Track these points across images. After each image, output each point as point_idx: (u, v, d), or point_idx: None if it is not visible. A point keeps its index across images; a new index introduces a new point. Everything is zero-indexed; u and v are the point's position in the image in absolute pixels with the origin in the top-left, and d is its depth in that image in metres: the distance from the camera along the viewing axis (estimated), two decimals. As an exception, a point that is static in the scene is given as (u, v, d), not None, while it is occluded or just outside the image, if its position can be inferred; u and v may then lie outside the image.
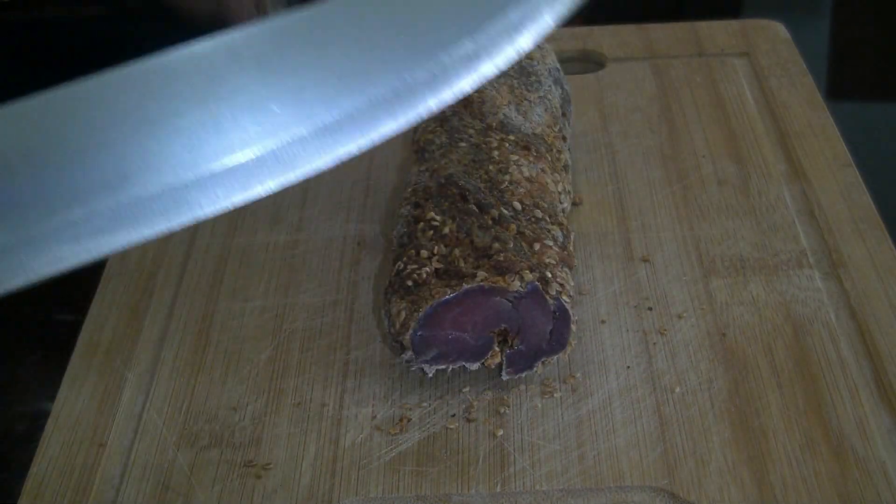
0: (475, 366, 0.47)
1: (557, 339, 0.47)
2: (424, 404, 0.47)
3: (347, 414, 0.47)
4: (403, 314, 0.45)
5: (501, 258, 0.46)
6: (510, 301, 0.45)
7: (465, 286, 0.45)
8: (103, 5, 0.87)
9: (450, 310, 0.45)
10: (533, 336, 0.46)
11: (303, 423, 0.47)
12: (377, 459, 0.45)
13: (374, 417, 0.47)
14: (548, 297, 0.46)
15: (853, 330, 0.49)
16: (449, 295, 0.45)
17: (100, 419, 0.48)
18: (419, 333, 0.45)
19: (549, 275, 0.46)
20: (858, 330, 0.49)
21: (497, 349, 0.47)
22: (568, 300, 0.46)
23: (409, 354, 0.46)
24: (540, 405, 0.47)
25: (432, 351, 0.46)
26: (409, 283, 0.46)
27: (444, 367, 0.47)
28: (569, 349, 0.47)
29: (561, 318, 0.46)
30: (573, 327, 0.47)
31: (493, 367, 0.47)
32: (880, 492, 0.42)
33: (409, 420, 0.46)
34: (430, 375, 0.47)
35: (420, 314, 0.45)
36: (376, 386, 0.48)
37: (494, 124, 0.54)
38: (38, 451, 0.46)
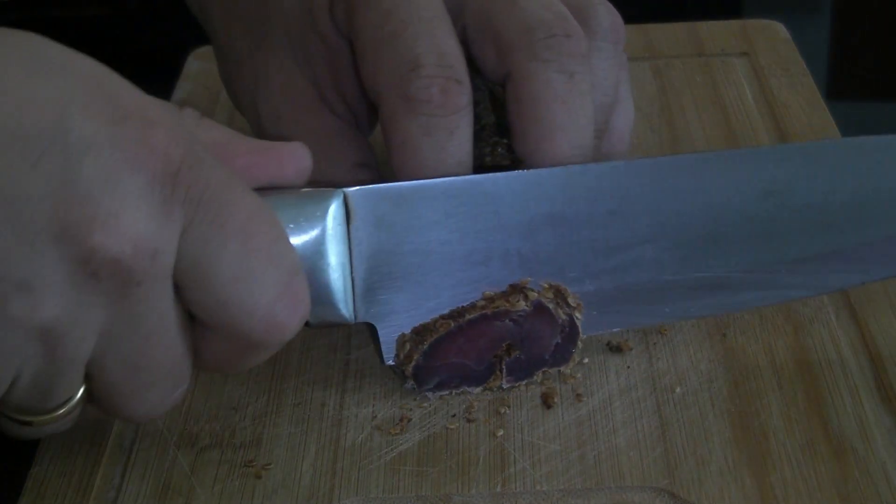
0: (478, 390, 0.47)
1: (562, 353, 0.47)
2: (425, 404, 0.47)
3: (347, 414, 0.47)
4: (408, 346, 0.45)
5: None
6: (514, 320, 0.45)
7: (469, 316, 0.45)
8: (103, 5, 0.87)
9: (454, 340, 0.45)
10: (536, 347, 0.46)
11: (303, 424, 0.47)
12: (377, 459, 0.45)
13: (374, 417, 0.47)
14: (560, 311, 0.45)
15: (853, 330, 0.49)
16: (453, 327, 0.45)
17: (100, 419, 0.48)
18: (423, 365, 0.45)
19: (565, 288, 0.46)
20: (858, 330, 0.49)
21: (499, 373, 0.46)
22: (580, 317, 0.46)
23: (411, 383, 0.46)
24: (540, 405, 0.47)
25: (435, 380, 0.46)
26: None
27: (446, 392, 0.47)
28: (571, 364, 0.47)
29: (569, 333, 0.46)
30: (580, 344, 0.47)
31: (495, 389, 0.47)
32: (880, 492, 0.42)
33: (410, 420, 0.46)
34: (433, 401, 0.47)
35: (425, 346, 0.45)
36: (376, 386, 0.48)
37: (490, 125, 0.54)
38: (38, 451, 0.46)
